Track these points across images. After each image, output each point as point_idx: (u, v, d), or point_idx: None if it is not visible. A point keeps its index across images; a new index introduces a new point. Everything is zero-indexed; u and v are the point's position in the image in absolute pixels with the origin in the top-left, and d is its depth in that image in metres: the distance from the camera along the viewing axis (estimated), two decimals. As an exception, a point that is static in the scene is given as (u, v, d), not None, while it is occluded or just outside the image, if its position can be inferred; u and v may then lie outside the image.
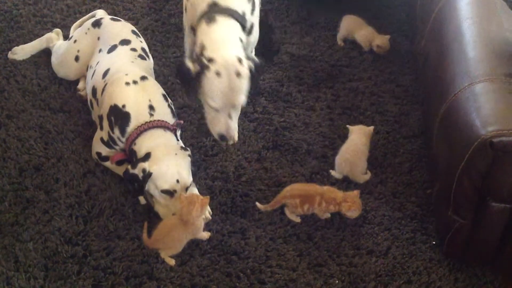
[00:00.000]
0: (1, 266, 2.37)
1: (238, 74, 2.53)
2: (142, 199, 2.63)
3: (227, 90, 2.54)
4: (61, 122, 3.04)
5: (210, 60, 2.52)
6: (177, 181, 2.55)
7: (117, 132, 2.69)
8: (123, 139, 2.70)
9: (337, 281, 2.43)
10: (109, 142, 2.75)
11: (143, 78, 2.79)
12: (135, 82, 2.74)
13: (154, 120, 2.66)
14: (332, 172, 2.88)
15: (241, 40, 2.64)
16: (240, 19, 2.67)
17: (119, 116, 2.68)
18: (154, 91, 2.78)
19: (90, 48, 3.13)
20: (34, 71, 3.34)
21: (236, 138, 2.67)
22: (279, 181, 2.82)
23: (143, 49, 3.07)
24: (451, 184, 2.30)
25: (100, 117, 2.78)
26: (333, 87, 3.42)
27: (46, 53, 3.43)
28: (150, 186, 2.56)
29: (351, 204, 2.59)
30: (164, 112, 2.74)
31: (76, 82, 3.26)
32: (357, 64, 3.60)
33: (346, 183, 2.84)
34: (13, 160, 2.81)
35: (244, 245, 2.53)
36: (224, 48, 2.56)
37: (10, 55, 3.41)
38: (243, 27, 2.70)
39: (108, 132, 2.73)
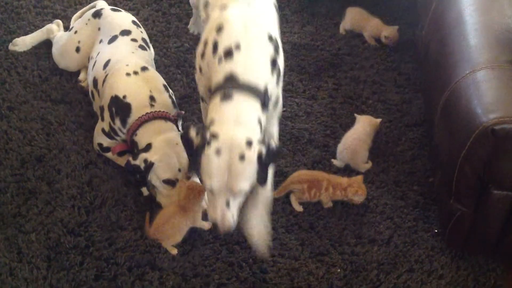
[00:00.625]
0: (4, 257, 2.39)
1: (242, 158, 2.11)
2: (144, 190, 2.63)
3: (226, 172, 2.14)
4: (62, 113, 3.04)
5: (214, 135, 2.13)
6: (179, 170, 2.56)
7: (118, 123, 2.69)
8: (124, 130, 2.70)
9: (339, 270, 2.44)
10: (110, 133, 2.75)
11: (144, 68, 2.79)
12: (135, 72, 2.74)
13: (155, 111, 2.65)
14: (334, 161, 2.88)
15: (260, 122, 2.22)
16: (261, 96, 2.21)
17: (120, 107, 2.68)
18: (154, 82, 2.78)
19: (90, 39, 3.13)
20: (35, 63, 3.33)
21: (231, 228, 2.22)
22: (280, 171, 2.82)
23: (143, 40, 3.07)
24: (453, 172, 2.29)
25: (101, 108, 2.78)
26: (335, 76, 3.41)
27: (47, 44, 3.43)
28: (152, 177, 2.56)
29: (357, 189, 2.60)
30: (164, 103, 2.73)
31: (77, 73, 3.26)
32: (358, 53, 3.58)
33: (348, 172, 2.83)
34: (15, 152, 2.82)
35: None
36: (234, 127, 2.15)
37: (11, 46, 3.41)
38: (264, 104, 2.25)
39: (109, 123, 2.73)
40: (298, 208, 2.66)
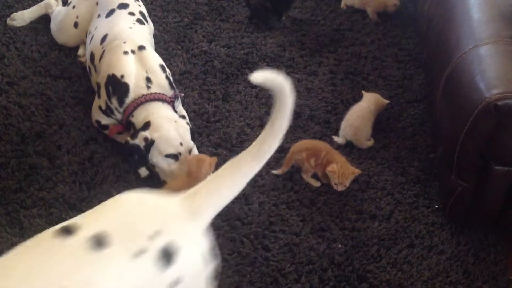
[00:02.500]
0: (6, 233, 2.39)
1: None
2: (143, 171, 2.62)
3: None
4: (61, 88, 3.02)
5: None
6: (181, 144, 2.55)
7: (115, 102, 2.66)
8: (121, 110, 2.68)
9: (340, 245, 2.45)
10: (107, 111, 2.73)
11: (141, 48, 2.75)
12: (133, 51, 2.71)
13: (151, 93, 2.63)
14: (335, 138, 2.87)
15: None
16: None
17: (117, 86, 2.65)
18: (151, 62, 2.74)
19: (89, 13, 3.10)
20: (34, 38, 3.31)
21: None
22: (281, 147, 2.81)
23: (141, 13, 3.04)
24: (454, 148, 2.29)
25: (98, 85, 2.75)
26: (336, 52, 3.39)
27: (45, 19, 3.40)
28: (153, 154, 2.55)
29: (340, 178, 2.56)
30: (161, 84, 2.70)
31: (76, 48, 3.23)
32: (359, 28, 3.56)
33: (349, 149, 2.83)
34: (15, 127, 2.81)
35: (248, 211, 2.54)
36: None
37: (9, 21, 3.38)
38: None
39: (106, 101, 2.71)
40: (314, 183, 2.67)
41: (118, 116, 2.72)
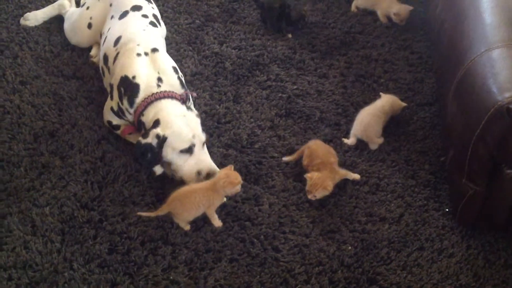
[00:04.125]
0: (19, 230, 2.41)
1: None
2: (158, 169, 2.62)
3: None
4: (74, 88, 3.04)
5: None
6: (193, 136, 2.57)
7: (126, 103, 2.68)
8: (132, 111, 2.68)
9: (349, 247, 2.45)
10: (119, 113, 2.75)
11: (154, 50, 2.77)
12: (146, 53, 2.73)
13: (160, 92, 2.64)
14: (345, 140, 2.88)
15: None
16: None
17: (128, 87, 2.66)
18: (164, 64, 2.76)
19: (102, 15, 3.12)
20: (47, 38, 3.33)
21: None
22: (292, 149, 2.83)
23: (154, 16, 3.05)
24: (466, 151, 2.29)
25: (111, 86, 2.77)
26: (347, 54, 3.39)
27: (58, 19, 3.42)
28: (167, 151, 2.55)
29: (319, 187, 2.55)
30: (172, 84, 2.72)
31: (89, 48, 3.25)
32: (370, 31, 3.56)
33: (359, 151, 2.84)
34: (28, 126, 2.83)
35: (258, 211, 2.55)
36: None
37: (22, 21, 3.40)
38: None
39: (118, 103, 2.72)
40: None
41: (129, 117, 2.73)
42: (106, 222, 2.47)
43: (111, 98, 2.77)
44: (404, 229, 2.53)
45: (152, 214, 2.47)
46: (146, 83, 2.67)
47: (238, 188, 2.47)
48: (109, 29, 2.96)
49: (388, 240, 2.48)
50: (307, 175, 2.57)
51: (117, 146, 2.77)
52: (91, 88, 3.05)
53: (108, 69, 2.85)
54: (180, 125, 2.56)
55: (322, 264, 2.38)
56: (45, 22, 3.43)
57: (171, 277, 2.31)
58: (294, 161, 2.76)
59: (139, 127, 2.68)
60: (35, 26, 3.40)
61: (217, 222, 2.48)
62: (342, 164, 2.74)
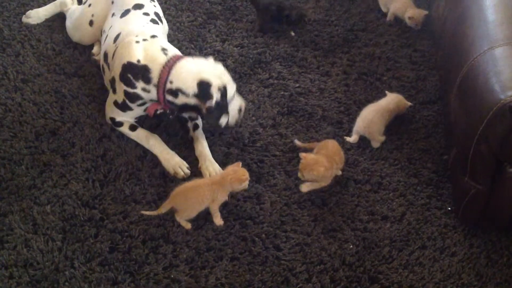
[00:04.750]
0: (20, 229, 2.41)
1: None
2: (223, 120, 2.62)
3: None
4: (76, 86, 3.04)
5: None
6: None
7: (141, 84, 2.63)
8: (151, 86, 2.62)
9: (351, 246, 2.44)
10: (125, 103, 2.71)
11: (153, 36, 2.76)
12: (145, 40, 2.71)
13: (175, 55, 2.64)
14: (347, 138, 2.87)
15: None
16: None
17: (137, 70, 2.63)
18: (165, 43, 2.76)
19: (104, 12, 3.11)
20: (49, 35, 3.33)
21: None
22: (294, 147, 2.82)
23: (156, 14, 3.04)
24: (468, 150, 2.28)
25: (112, 80, 2.75)
26: (349, 52, 3.38)
27: (60, 17, 3.42)
28: (227, 100, 2.62)
29: (304, 165, 2.55)
30: (177, 52, 2.72)
31: (91, 46, 3.25)
32: (373, 29, 3.55)
33: (361, 149, 2.83)
34: (29, 124, 2.83)
35: (259, 210, 2.55)
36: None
37: (24, 19, 3.40)
38: None
39: (125, 92, 2.68)
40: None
41: (149, 96, 2.66)
42: (107, 220, 2.47)
43: (114, 92, 2.75)
44: (406, 227, 2.52)
45: (154, 213, 2.46)
46: (152, 60, 2.62)
47: (245, 185, 2.47)
48: (110, 27, 2.95)
49: (390, 238, 2.47)
50: (302, 154, 2.58)
51: (119, 144, 2.77)
52: (92, 86, 3.05)
53: (108, 65, 2.83)
54: (226, 73, 2.63)
55: (324, 263, 2.38)
56: (47, 20, 3.43)
57: (172, 276, 2.30)
58: (303, 148, 2.76)
59: (165, 100, 2.62)
60: (37, 24, 3.40)
61: (218, 220, 2.48)
62: (345, 163, 2.73)
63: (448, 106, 2.67)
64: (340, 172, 2.68)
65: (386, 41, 3.46)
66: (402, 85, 3.17)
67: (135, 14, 2.95)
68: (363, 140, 2.86)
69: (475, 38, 2.47)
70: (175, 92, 2.58)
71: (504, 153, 2.19)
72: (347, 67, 3.28)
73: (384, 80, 3.20)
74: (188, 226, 2.45)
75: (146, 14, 2.98)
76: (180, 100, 2.59)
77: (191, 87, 2.55)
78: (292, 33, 3.48)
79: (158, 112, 2.72)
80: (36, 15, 3.41)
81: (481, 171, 2.30)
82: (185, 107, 2.62)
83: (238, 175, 2.43)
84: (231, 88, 2.65)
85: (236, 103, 2.74)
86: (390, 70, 3.26)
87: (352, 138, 2.86)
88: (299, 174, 2.58)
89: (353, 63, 3.31)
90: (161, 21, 3.08)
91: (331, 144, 2.69)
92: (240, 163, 2.52)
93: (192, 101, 2.57)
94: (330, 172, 2.59)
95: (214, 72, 2.60)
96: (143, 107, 2.74)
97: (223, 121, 2.63)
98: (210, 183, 2.45)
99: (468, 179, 2.36)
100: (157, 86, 2.61)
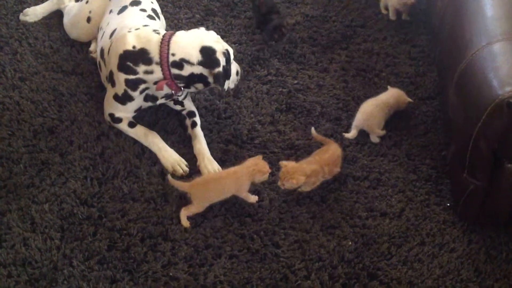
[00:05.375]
0: (18, 227, 2.41)
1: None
2: (227, 84, 2.68)
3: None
4: (74, 84, 3.04)
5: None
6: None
7: (143, 68, 2.61)
8: (153, 66, 2.60)
9: (350, 243, 2.44)
10: (126, 93, 2.67)
11: (145, 26, 2.76)
12: (137, 29, 2.70)
13: (168, 31, 2.66)
14: (345, 135, 2.86)
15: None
16: None
17: (135, 56, 2.61)
18: (156, 28, 2.78)
19: (101, 9, 3.11)
20: (46, 33, 3.32)
21: None
22: (292, 144, 2.81)
23: (153, 10, 3.03)
24: (467, 146, 2.27)
25: (110, 74, 2.72)
26: (348, 48, 3.37)
27: (58, 14, 3.41)
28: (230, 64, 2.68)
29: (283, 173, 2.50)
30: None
31: (88, 44, 3.24)
32: (372, 25, 3.54)
33: (360, 146, 2.82)
34: (27, 123, 2.82)
35: (258, 207, 2.54)
36: None
37: (22, 17, 3.40)
38: None
39: (126, 81, 2.64)
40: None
41: (149, 79, 2.64)
42: (105, 218, 2.46)
43: (113, 85, 2.72)
44: (405, 224, 2.51)
45: (175, 183, 2.50)
46: (147, 41, 2.62)
47: (266, 176, 2.51)
48: (107, 24, 2.94)
49: (388, 235, 2.47)
50: (283, 162, 2.54)
51: (117, 142, 2.76)
52: (90, 84, 3.04)
53: (104, 61, 2.82)
54: (220, 38, 2.67)
55: (322, 260, 2.37)
56: (44, 18, 3.42)
57: (171, 274, 2.30)
58: (314, 140, 2.76)
59: (171, 74, 2.61)
60: (35, 22, 3.39)
61: (252, 198, 2.54)
62: (343, 159, 2.72)
63: (446, 102, 2.67)
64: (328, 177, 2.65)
65: (385, 37, 3.45)
66: (401, 81, 3.16)
67: (132, 11, 2.94)
68: (362, 137, 2.86)
69: (473, 33, 2.46)
70: (179, 64, 2.59)
71: (503, 148, 2.19)
72: (345, 63, 3.27)
73: (383, 76, 3.19)
74: (187, 224, 2.45)
75: (143, 10, 2.97)
76: (186, 70, 2.60)
77: (195, 55, 2.58)
78: (273, 43, 3.38)
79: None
80: (34, 13, 3.41)
81: (480, 167, 2.30)
82: (192, 78, 2.63)
83: (260, 167, 2.48)
84: (231, 51, 2.69)
85: (233, 67, 2.76)
86: (389, 66, 3.25)
87: (351, 134, 2.85)
88: (279, 183, 2.52)
89: (352, 59, 3.30)
90: (158, 17, 3.08)
91: (331, 152, 2.62)
92: (261, 156, 2.55)
93: (198, 69, 2.60)
94: (313, 179, 2.54)
95: (212, 38, 2.65)
96: (144, 94, 2.72)
97: (226, 85, 2.67)
98: (234, 174, 2.48)
99: (466, 175, 2.35)
100: (160, 63, 2.60)
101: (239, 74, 2.86)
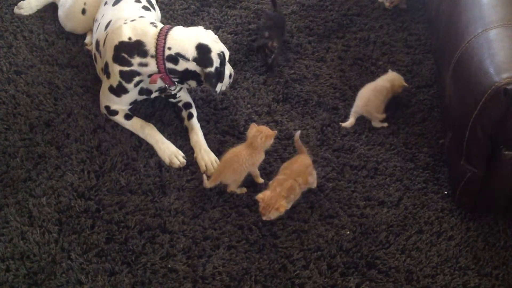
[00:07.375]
0: (16, 221, 2.41)
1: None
2: (219, 87, 2.69)
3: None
4: (69, 77, 3.02)
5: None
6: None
7: (138, 60, 2.60)
8: (148, 59, 2.59)
9: (348, 232, 2.44)
10: (121, 85, 2.67)
11: (141, 17, 2.76)
12: (133, 20, 2.69)
13: (166, 26, 2.66)
14: (343, 124, 2.86)
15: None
16: None
17: (130, 47, 2.61)
18: (153, 20, 2.77)
19: (96, 1, 3.09)
20: (41, 26, 3.31)
21: None
22: (289, 134, 2.81)
23: (148, 1, 3.03)
24: (464, 133, 2.27)
25: (105, 66, 2.71)
26: (344, 37, 3.36)
27: (53, 7, 3.39)
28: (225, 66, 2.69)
29: (270, 204, 2.40)
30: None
31: (83, 36, 3.23)
32: (368, 13, 3.52)
33: (357, 135, 2.82)
34: (23, 116, 2.82)
35: (255, 198, 2.53)
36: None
37: (16, 10, 3.38)
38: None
39: (121, 73, 2.64)
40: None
41: (144, 71, 2.63)
42: (103, 211, 2.46)
43: (108, 77, 2.71)
44: (403, 212, 2.51)
45: (206, 183, 2.51)
46: (143, 34, 2.61)
47: (272, 140, 2.56)
48: (102, 15, 2.93)
49: (386, 224, 2.47)
50: (259, 196, 2.41)
51: (113, 134, 2.76)
52: (86, 77, 3.03)
53: (100, 53, 2.81)
54: (217, 38, 2.68)
55: (321, 249, 2.38)
56: (39, 11, 3.40)
57: (169, 265, 2.30)
58: (297, 147, 2.63)
59: (166, 68, 2.60)
60: (29, 15, 3.37)
61: (260, 179, 2.59)
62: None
63: (443, 89, 2.66)
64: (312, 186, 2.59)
65: (381, 25, 3.43)
66: (398, 69, 3.14)
67: (127, 2, 2.92)
68: (359, 126, 2.85)
69: (470, 20, 2.44)
70: (175, 58, 2.59)
71: (500, 136, 2.18)
72: (342, 52, 3.26)
73: (380, 65, 3.18)
74: (244, 190, 2.55)
75: (138, 1, 2.96)
76: (181, 65, 2.60)
77: (190, 51, 2.58)
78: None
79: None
80: (28, 6, 3.39)
81: (477, 155, 2.29)
82: (187, 74, 2.62)
83: (265, 133, 2.52)
84: (227, 54, 2.70)
85: (227, 69, 2.76)
86: (386, 55, 3.24)
87: (349, 122, 2.85)
88: (265, 218, 2.40)
89: (348, 48, 3.29)
90: (154, 8, 3.06)
91: (299, 161, 2.54)
92: (255, 123, 2.59)
93: (192, 66, 2.59)
94: (291, 196, 2.46)
95: (210, 37, 2.65)
96: (139, 87, 2.72)
97: (218, 87, 2.67)
98: (245, 147, 2.51)
99: (464, 162, 2.35)
100: (155, 56, 2.59)
101: (232, 77, 2.86)
